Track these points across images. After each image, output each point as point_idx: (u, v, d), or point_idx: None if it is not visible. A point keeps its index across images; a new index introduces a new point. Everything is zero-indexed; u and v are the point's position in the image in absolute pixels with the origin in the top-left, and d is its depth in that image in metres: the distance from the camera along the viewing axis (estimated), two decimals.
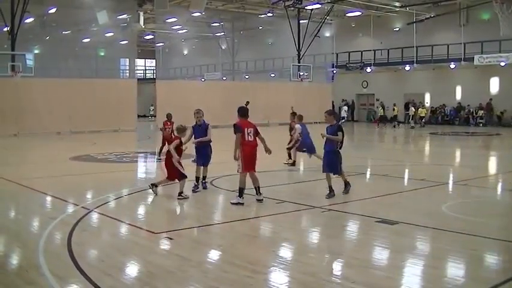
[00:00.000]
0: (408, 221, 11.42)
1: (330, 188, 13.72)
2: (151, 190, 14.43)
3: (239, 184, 13.13)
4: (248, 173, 13.20)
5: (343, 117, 52.07)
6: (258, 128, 13.32)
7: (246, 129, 13.17)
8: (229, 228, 11.08)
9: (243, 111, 13.65)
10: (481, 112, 51.01)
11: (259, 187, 13.36)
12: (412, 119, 50.93)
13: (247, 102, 43.45)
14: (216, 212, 13.11)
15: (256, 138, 13.32)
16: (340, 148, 13.79)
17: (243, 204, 12.96)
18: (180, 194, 14.07)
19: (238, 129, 13.18)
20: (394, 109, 52.11)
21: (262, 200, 13.28)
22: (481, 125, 50.18)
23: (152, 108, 61.23)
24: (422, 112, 52.07)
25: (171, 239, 10.02)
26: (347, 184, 14.06)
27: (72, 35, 64.25)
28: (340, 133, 13.64)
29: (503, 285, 7.60)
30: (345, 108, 52.88)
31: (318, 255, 9.40)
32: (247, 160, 13.13)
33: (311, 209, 12.67)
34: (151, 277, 7.97)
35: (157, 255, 9.19)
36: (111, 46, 68.57)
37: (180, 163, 14.36)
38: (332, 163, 13.70)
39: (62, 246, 9.45)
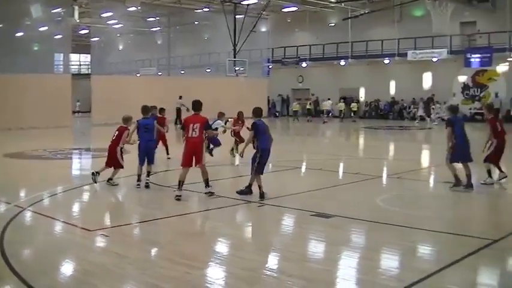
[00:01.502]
0: (343, 214, 11.58)
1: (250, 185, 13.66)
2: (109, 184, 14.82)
3: (179, 177, 13.24)
4: (199, 167, 13.35)
5: (329, 112, 52.01)
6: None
7: (191, 125, 13.24)
8: (166, 224, 11.07)
9: (193, 106, 13.71)
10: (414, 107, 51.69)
11: (207, 180, 13.44)
12: (343, 114, 51.63)
13: (180, 97, 43.37)
14: (152, 208, 13.04)
15: (204, 133, 13.43)
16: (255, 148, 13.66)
17: (180, 196, 13.03)
18: (109, 179, 14.71)
19: (182, 126, 13.66)
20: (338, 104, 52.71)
21: (210, 193, 13.37)
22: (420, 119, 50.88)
23: (79, 103, 60.44)
24: (354, 107, 52.69)
25: (107, 236, 9.95)
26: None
27: (4, 29, 62.86)
28: (251, 132, 13.57)
29: (437, 275, 7.81)
30: (329, 102, 52.76)
31: (255, 249, 9.47)
32: (186, 156, 13.25)
33: (247, 204, 12.74)
34: (87, 275, 7.92)
35: (93, 252, 9.13)
36: (45, 40, 67.23)
37: (122, 153, 14.51)
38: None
39: None
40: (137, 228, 10.86)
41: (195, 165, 13.34)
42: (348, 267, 8.39)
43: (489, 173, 15.44)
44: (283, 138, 32.75)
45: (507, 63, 47.86)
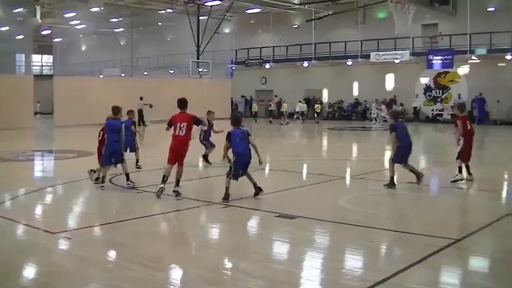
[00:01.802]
0: (307, 215, 11.61)
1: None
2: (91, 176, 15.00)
3: (163, 171, 13.50)
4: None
5: (298, 112, 52.07)
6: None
7: (178, 123, 13.47)
8: (130, 226, 10.97)
9: (178, 104, 13.88)
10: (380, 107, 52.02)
11: (179, 180, 13.60)
12: (303, 115, 51.86)
13: (141, 98, 43.21)
14: (116, 210, 12.98)
15: (191, 131, 13.65)
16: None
17: (162, 189, 13.26)
18: (97, 179, 14.81)
19: (169, 123, 13.79)
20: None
21: (176, 193, 13.46)
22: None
23: (39, 105, 59.82)
24: (317, 108, 52.87)
25: (69, 238, 9.83)
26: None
27: None
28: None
29: (400, 274, 7.86)
30: (300, 104, 52.80)
31: (218, 251, 9.46)
32: (171, 153, 13.52)
33: (211, 205, 12.71)
34: (50, 278, 7.85)
35: (55, 255, 9.04)
36: (7, 41, 66.48)
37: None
38: None
39: None
40: (100, 230, 10.76)
41: (178, 164, 13.59)
42: (311, 268, 8.42)
43: (460, 169, 15.85)
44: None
45: (468, 65, 48.44)
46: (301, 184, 16.35)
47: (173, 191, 13.49)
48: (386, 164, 16.22)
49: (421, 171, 15.34)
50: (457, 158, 15.98)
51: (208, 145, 19.33)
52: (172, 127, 13.61)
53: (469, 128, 16.04)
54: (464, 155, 15.83)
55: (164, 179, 13.36)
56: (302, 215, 11.53)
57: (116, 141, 14.91)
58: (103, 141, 15.16)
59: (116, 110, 15.31)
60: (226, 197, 12.90)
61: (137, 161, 18.49)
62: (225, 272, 8.10)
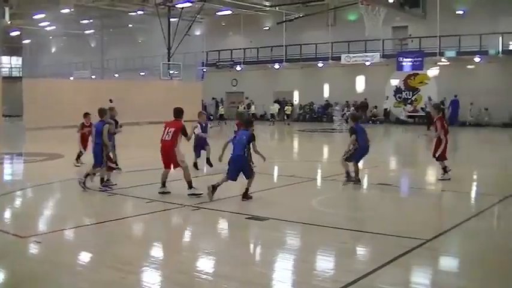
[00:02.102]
0: (278, 216, 11.62)
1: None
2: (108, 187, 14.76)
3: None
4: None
5: (272, 115, 52.08)
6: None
7: (167, 128, 13.80)
8: (101, 229, 10.90)
9: (174, 112, 14.17)
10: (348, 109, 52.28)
11: (189, 182, 13.65)
12: (273, 117, 52.00)
13: (111, 101, 42.92)
14: (87, 213, 12.88)
15: (178, 137, 13.72)
16: None
17: (162, 193, 13.69)
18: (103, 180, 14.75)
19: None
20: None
21: (192, 195, 13.50)
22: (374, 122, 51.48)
23: (4, 107, 59.18)
24: (288, 110, 52.97)
25: (39, 242, 9.72)
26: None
27: None
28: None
29: (371, 275, 7.90)
30: (276, 106, 52.81)
31: (190, 253, 9.43)
32: (161, 158, 13.91)
33: (182, 208, 12.67)
34: (20, 283, 7.78)
35: (25, 259, 8.94)
36: None
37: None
38: None
39: None
40: (71, 234, 10.66)
41: (174, 168, 13.85)
42: (283, 270, 8.43)
43: (444, 169, 16.48)
44: (216, 142, 32.75)
45: (438, 67, 48.89)
46: (272, 186, 16.34)
47: (188, 194, 13.49)
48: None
49: (360, 178, 15.75)
50: (438, 159, 16.59)
51: (197, 154, 18.73)
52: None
53: (446, 127, 16.69)
54: (444, 154, 16.45)
55: (162, 183, 13.84)
56: (273, 217, 11.54)
57: (97, 143, 14.81)
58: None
59: (100, 112, 15.21)
60: (213, 189, 13.17)
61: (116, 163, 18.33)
62: (196, 274, 8.08)
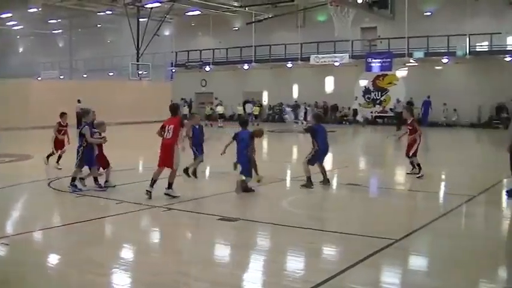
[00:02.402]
0: (249, 217, 11.66)
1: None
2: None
3: (153, 174, 13.68)
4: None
5: (249, 114, 51.86)
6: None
7: (166, 126, 13.55)
8: (70, 231, 10.80)
9: (170, 109, 14.11)
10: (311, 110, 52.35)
11: (170, 183, 13.57)
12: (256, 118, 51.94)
13: (79, 101, 42.66)
14: (55, 215, 12.77)
15: (179, 135, 13.77)
16: None
17: (150, 192, 13.36)
18: (106, 182, 14.87)
19: (161, 127, 13.73)
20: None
21: (168, 196, 13.45)
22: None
23: None
24: (256, 110, 52.89)
25: (7, 244, 9.62)
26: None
27: None
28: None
29: (341, 275, 7.95)
30: (250, 105, 52.59)
31: (161, 254, 9.41)
32: (159, 156, 13.65)
33: (152, 209, 12.61)
34: None
35: None
36: None
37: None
38: None
39: None
40: (40, 236, 10.56)
41: (167, 167, 13.60)
42: (254, 270, 8.45)
43: (419, 166, 17.25)
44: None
45: (406, 68, 49.24)
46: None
47: (164, 193, 13.48)
48: (327, 166, 16.33)
49: (329, 178, 15.90)
50: (411, 156, 17.38)
51: (198, 152, 17.46)
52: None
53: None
54: (416, 153, 17.33)
55: (152, 182, 13.49)
56: (244, 218, 11.56)
57: (79, 145, 14.66)
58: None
59: (83, 113, 15.23)
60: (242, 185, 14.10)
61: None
62: (167, 276, 8.04)
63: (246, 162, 14.47)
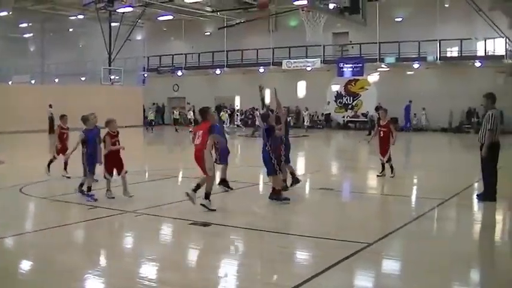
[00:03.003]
0: (221, 222, 11.63)
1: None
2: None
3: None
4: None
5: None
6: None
7: (196, 132, 13.03)
8: (42, 237, 10.70)
9: (199, 113, 13.65)
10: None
11: (207, 193, 12.83)
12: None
13: (50, 106, 42.42)
14: (26, 221, 12.64)
15: (207, 140, 12.81)
16: None
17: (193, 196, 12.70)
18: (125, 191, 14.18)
19: (193, 132, 13.27)
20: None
21: (204, 206, 12.66)
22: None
23: None
24: (223, 116, 52.64)
25: None
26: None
27: None
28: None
29: (315, 278, 7.95)
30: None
31: (133, 259, 9.34)
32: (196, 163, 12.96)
33: (124, 214, 12.54)
34: None
35: None
36: None
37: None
38: None
39: None
40: (13, 241, 10.43)
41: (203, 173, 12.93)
42: (226, 275, 8.42)
43: (392, 167, 17.85)
44: (158, 148, 32.66)
45: (378, 73, 49.58)
46: (214, 191, 16.19)
47: (200, 204, 12.71)
48: (299, 170, 16.33)
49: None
50: (388, 161, 17.89)
51: (222, 160, 16.17)
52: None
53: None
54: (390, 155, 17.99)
55: (196, 187, 12.82)
56: (216, 222, 11.52)
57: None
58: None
59: (83, 120, 14.99)
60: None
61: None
62: (140, 281, 8.00)
63: (268, 160, 13.90)
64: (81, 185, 14.20)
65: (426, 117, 47.38)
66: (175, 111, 52.10)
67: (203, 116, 13.31)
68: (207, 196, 12.73)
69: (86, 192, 13.94)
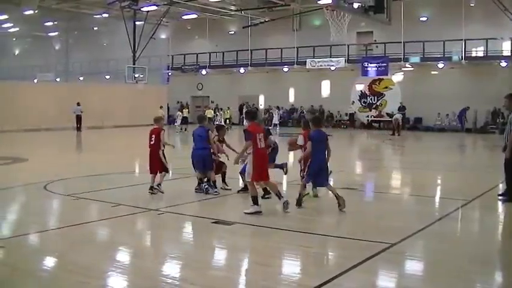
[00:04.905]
0: (244, 221, 11.59)
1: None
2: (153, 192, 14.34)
3: (250, 193, 12.45)
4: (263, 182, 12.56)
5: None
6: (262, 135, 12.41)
7: (257, 134, 12.17)
8: (64, 234, 10.75)
9: (252, 115, 12.87)
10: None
11: (279, 193, 12.63)
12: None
13: (78, 104, 42.71)
14: (50, 218, 12.71)
15: (267, 144, 12.71)
16: None
17: (260, 212, 12.17)
18: (158, 185, 14.30)
19: (249, 135, 12.13)
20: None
21: (285, 203, 12.43)
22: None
23: None
24: (227, 114, 52.51)
25: (2, 247, 9.59)
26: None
27: None
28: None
29: (337, 279, 7.91)
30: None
31: (156, 258, 9.36)
32: (259, 169, 12.18)
33: (147, 212, 12.57)
34: None
35: None
36: None
37: (164, 155, 14.46)
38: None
39: None
40: (35, 238, 10.51)
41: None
42: (249, 274, 8.41)
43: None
44: (181, 146, 32.72)
45: (402, 72, 49.33)
46: (235, 189, 16.16)
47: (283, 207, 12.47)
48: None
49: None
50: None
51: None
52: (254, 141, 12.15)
53: None
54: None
55: (255, 200, 12.28)
56: (239, 221, 11.51)
57: (203, 148, 14.71)
58: (157, 146, 14.50)
59: (199, 118, 15.31)
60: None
61: None
62: (162, 279, 8.01)
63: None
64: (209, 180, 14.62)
65: (447, 116, 47.08)
66: (206, 111, 52.02)
67: (255, 118, 12.80)
68: (281, 196, 12.57)
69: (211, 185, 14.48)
